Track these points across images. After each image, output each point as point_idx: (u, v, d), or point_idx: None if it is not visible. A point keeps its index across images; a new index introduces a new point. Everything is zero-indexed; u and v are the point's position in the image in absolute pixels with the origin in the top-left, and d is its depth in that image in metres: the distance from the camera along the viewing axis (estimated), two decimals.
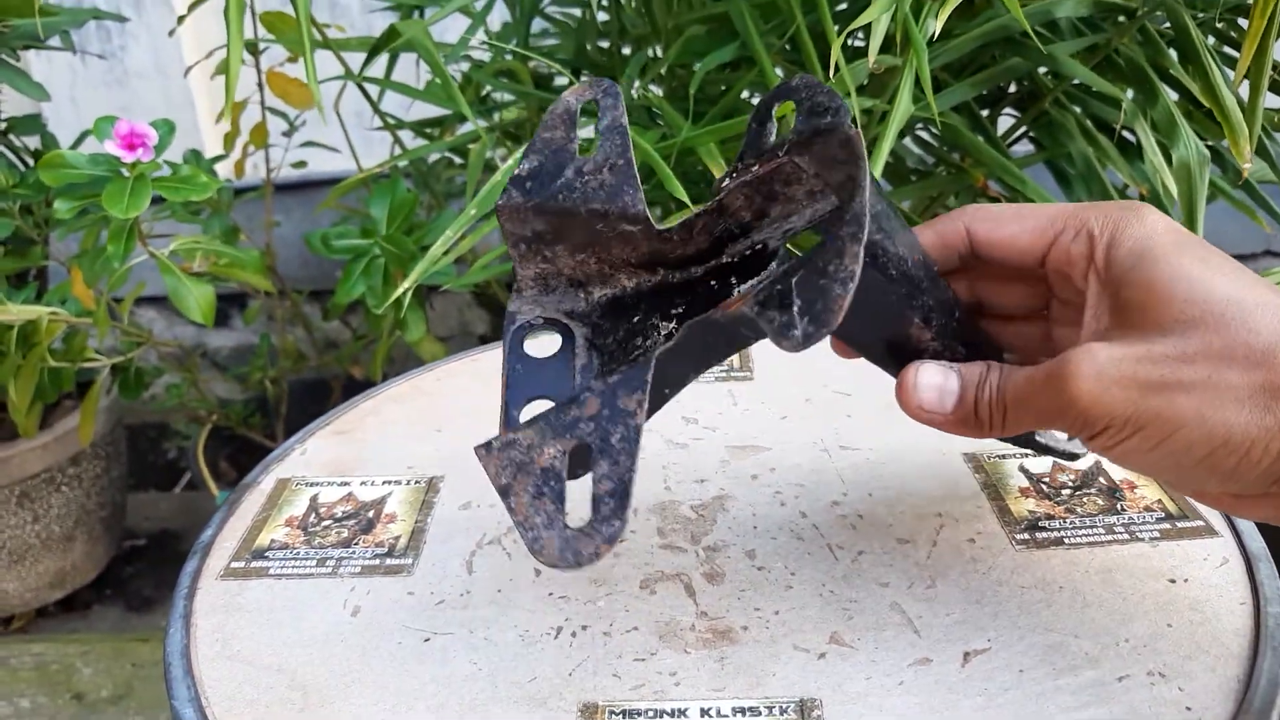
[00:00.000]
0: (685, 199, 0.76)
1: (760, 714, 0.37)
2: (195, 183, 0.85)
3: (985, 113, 0.98)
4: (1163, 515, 0.46)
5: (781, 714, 0.37)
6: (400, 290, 0.73)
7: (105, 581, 1.42)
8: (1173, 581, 0.42)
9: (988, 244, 0.39)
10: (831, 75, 0.74)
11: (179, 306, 0.89)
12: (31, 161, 1.14)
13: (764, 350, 0.62)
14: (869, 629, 0.41)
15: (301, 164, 1.29)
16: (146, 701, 1.16)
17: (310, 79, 0.70)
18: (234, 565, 0.46)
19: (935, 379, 0.37)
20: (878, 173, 0.74)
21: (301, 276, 1.64)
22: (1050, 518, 0.46)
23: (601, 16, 1.04)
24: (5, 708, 1.17)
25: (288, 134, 1.27)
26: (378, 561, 0.46)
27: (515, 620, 0.42)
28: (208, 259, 0.93)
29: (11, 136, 1.15)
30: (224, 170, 1.37)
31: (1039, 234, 0.37)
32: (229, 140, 1.21)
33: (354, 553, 0.47)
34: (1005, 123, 1.02)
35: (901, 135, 1.04)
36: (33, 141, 1.16)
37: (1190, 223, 0.83)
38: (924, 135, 1.05)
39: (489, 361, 0.65)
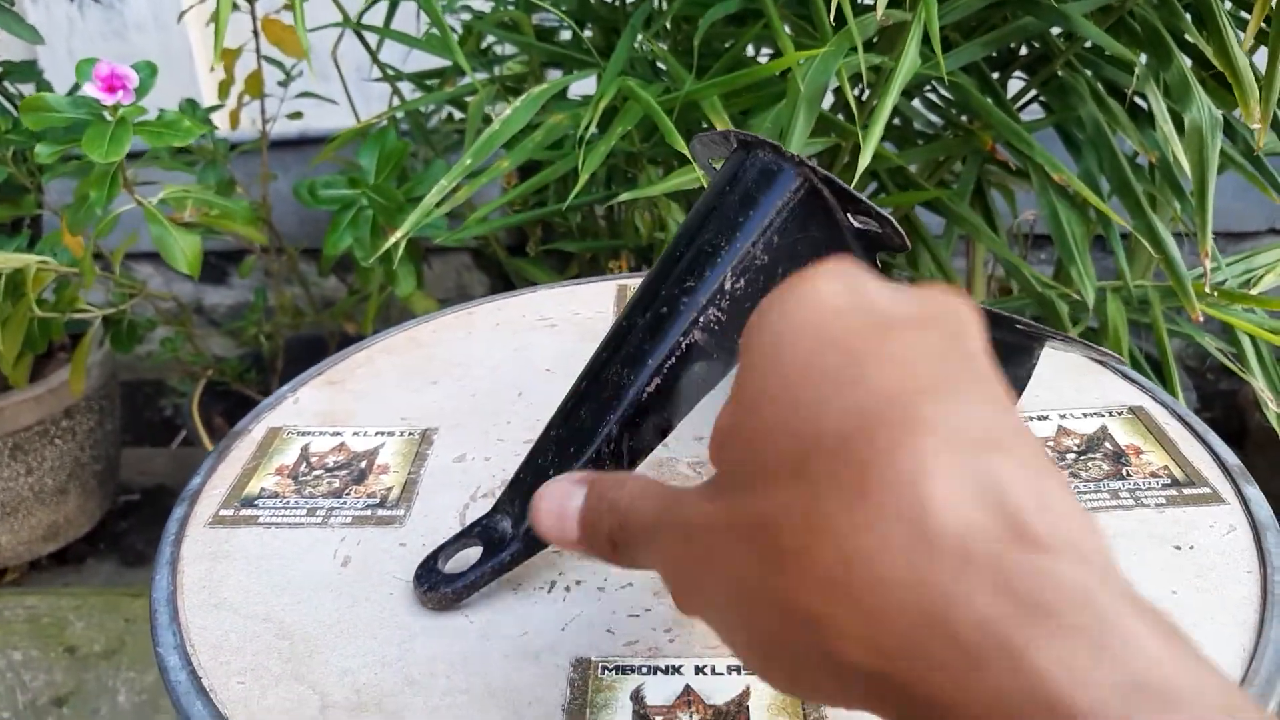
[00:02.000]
0: (687, 152, 0.75)
1: None
2: (179, 127, 0.83)
3: (995, 75, 0.97)
4: (1168, 481, 0.45)
5: None
6: (390, 242, 0.72)
7: (99, 535, 1.42)
8: (1178, 548, 0.41)
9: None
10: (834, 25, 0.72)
11: (165, 256, 0.87)
12: None
13: None
14: None
15: (297, 115, 1.27)
16: (138, 655, 1.16)
17: (298, 23, 0.68)
18: (223, 513, 0.46)
19: (556, 503, 0.30)
20: (878, 135, 0.73)
21: (300, 234, 1.62)
22: None
23: None
24: None
25: (284, 84, 1.25)
26: (369, 512, 0.45)
27: (509, 574, 0.41)
28: (198, 209, 0.91)
29: (7, 84, 1.13)
30: (220, 121, 1.35)
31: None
32: (224, 89, 1.19)
33: (345, 503, 0.46)
34: (1015, 86, 1.00)
35: (910, 96, 1.02)
36: (29, 89, 1.14)
37: (1201, 192, 0.81)
38: (932, 97, 1.03)
39: (483, 314, 0.64)
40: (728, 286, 0.37)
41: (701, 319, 0.38)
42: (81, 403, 1.27)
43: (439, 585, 0.39)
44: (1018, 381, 0.45)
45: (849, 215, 0.38)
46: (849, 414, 0.21)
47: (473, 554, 0.40)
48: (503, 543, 0.39)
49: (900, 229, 0.38)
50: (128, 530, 1.44)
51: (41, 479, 1.27)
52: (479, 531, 0.41)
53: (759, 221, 0.37)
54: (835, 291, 0.23)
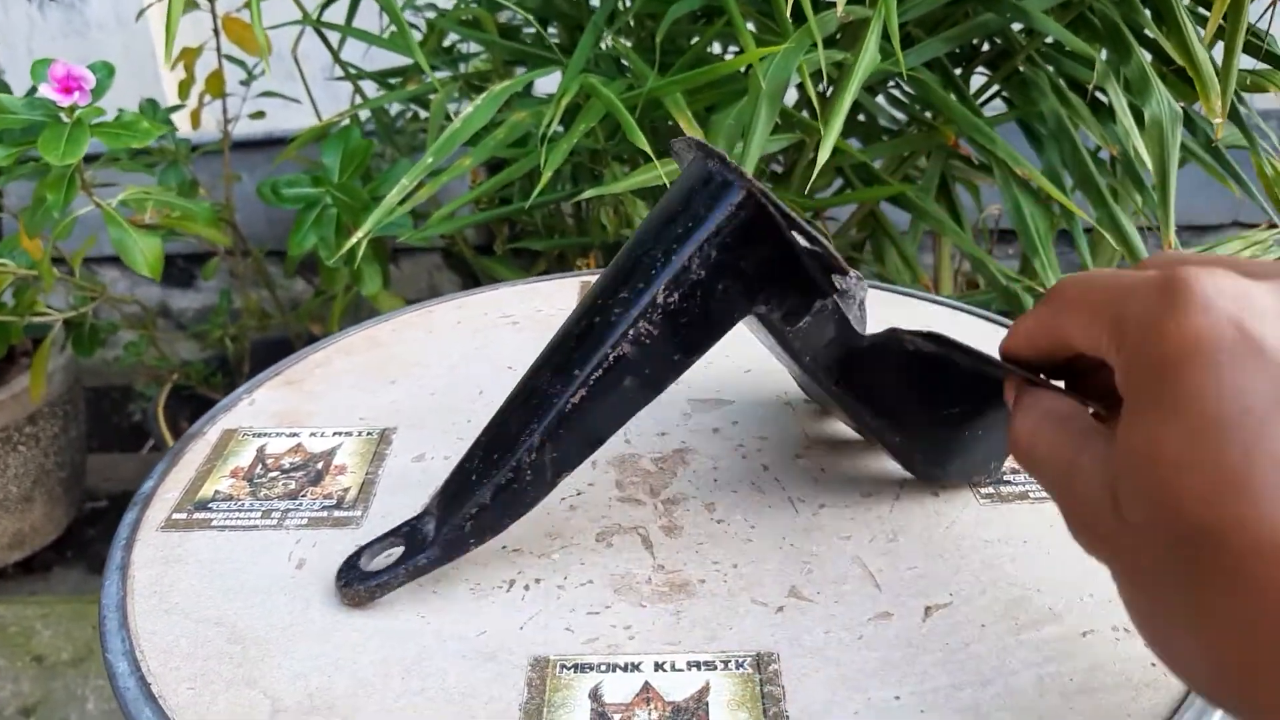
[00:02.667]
0: (649, 150, 0.74)
1: (716, 668, 0.36)
2: (136, 129, 0.82)
3: (958, 71, 0.97)
4: None
5: (738, 668, 0.36)
6: (353, 240, 0.71)
7: (66, 543, 1.40)
8: None
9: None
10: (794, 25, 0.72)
11: (125, 259, 0.86)
12: None
13: None
14: (829, 582, 0.40)
15: (260, 114, 1.26)
16: None
17: (255, 21, 0.67)
18: (175, 517, 0.45)
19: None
20: (838, 129, 0.73)
21: (267, 235, 1.61)
22: (1016, 471, 0.45)
23: None
24: None
25: (245, 83, 1.23)
26: (325, 514, 0.45)
27: (466, 574, 0.41)
28: (158, 211, 0.90)
29: None
30: (182, 122, 1.33)
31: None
32: (184, 88, 1.17)
33: (301, 504, 0.45)
34: (977, 81, 1.01)
35: (874, 92, 1.02)
36: None
37: (1162, 184, 0.82)
38: (896, 93, 1.03)
39: (443, 313, 0.64)
40: (660, 300, 0.37)
41: (632, 332, 0.37)
42: (45, 408, 1.25)
43: (354, 582, 0.39)
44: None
45: (796, 234, 0.38)
46: None
47: (397, 553, 0.40)
48: (422, 545, 0.39)
49: (835, 251, 0.38)
50: (95, 538, 1.42)
51: (5, 486, 1.25)
52: (405, 532, 0.40)
53: (698, 235, 0.36)
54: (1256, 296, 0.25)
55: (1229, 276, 0.25)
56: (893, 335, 0.38)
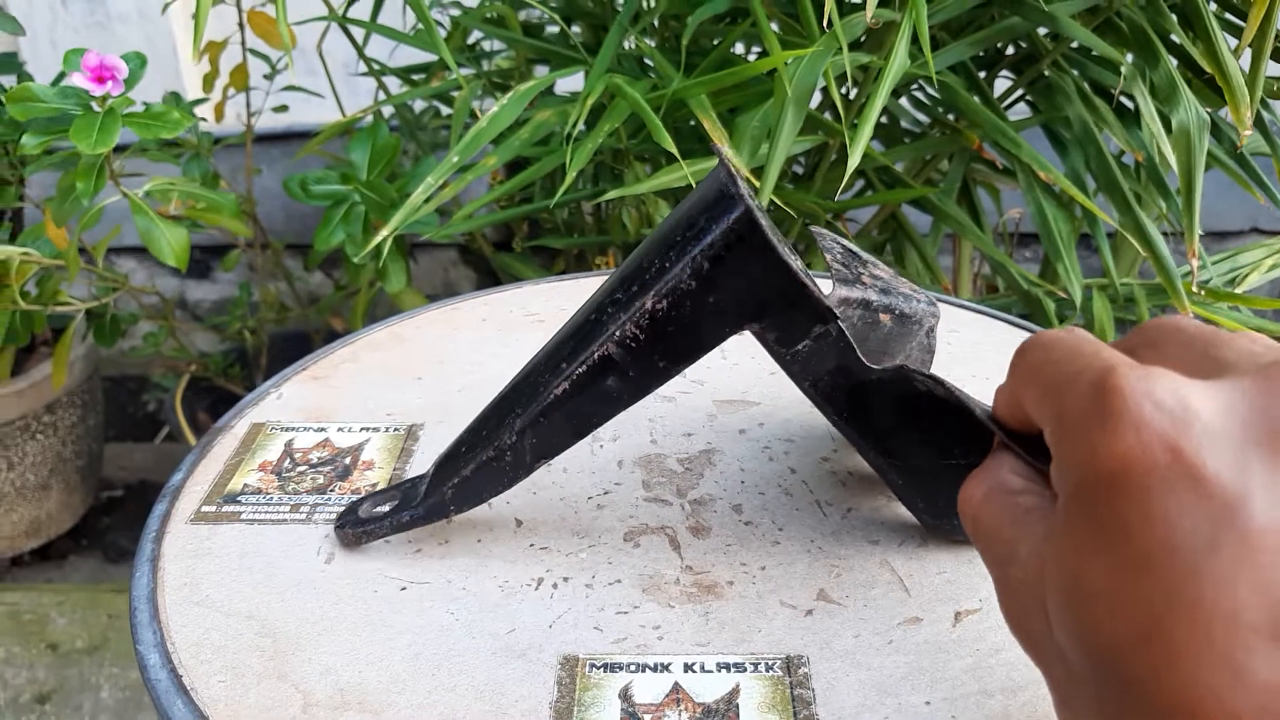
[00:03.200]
0: (674, 150, 0.74)
1: (745, 669, 0.36)
2: (167, 119, 0.82)
3: (983, 74, 0.97)
4: None
5: (767, 670, 0.36)
6: (379, 238, 0.71)
7: (82, 531, 1.41)
8: None
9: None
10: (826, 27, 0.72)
11: (151, 249, 0.86)
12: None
13: None
14: (858, 586, 0.40)
15: (283, 108, 1.27)
16: (121, 652, 1.15)
17: (280, 16, 0.67)
18: (204, 509, 0.45)
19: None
20: (868, 135, 0.73)
21: (285, 229, 1.61)
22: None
23: None
24: None
25: (269, 77, 1.24)
26: None
27: (495, 571, 0.41)
28: (184, 202, 0.91)
29: None
30: (205, 115, 1.34)
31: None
32: (208, 81, 1.18)
33: (329, 499, 0.45)
34: (1002, 85, 1.01)
35: (897, 95, 1.02)
36: (10, 81, 1.13)
37: (1188, 191, 0.82)
38: (919, 96, 1.03)
39: (468, 310, 0.64)
40: (649, 306, 0.37)
41: (619, 334, 0.37)
42: (64, 397, 1.26)
43: (345, 525, 0.42)
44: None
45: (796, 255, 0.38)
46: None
47: (390, 506, 0.43)
48: (411, 504, 0.42)
49: (820, 295, 0.37)
50: (110, 526, 1.43)
51: (23, 474, 1.26)
52: (406, 489, 0.43)
53: (693, 247, 0.36)
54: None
55: (1170, 384, 0.22)
56: (901, 372, 0.38)
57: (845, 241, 0.47)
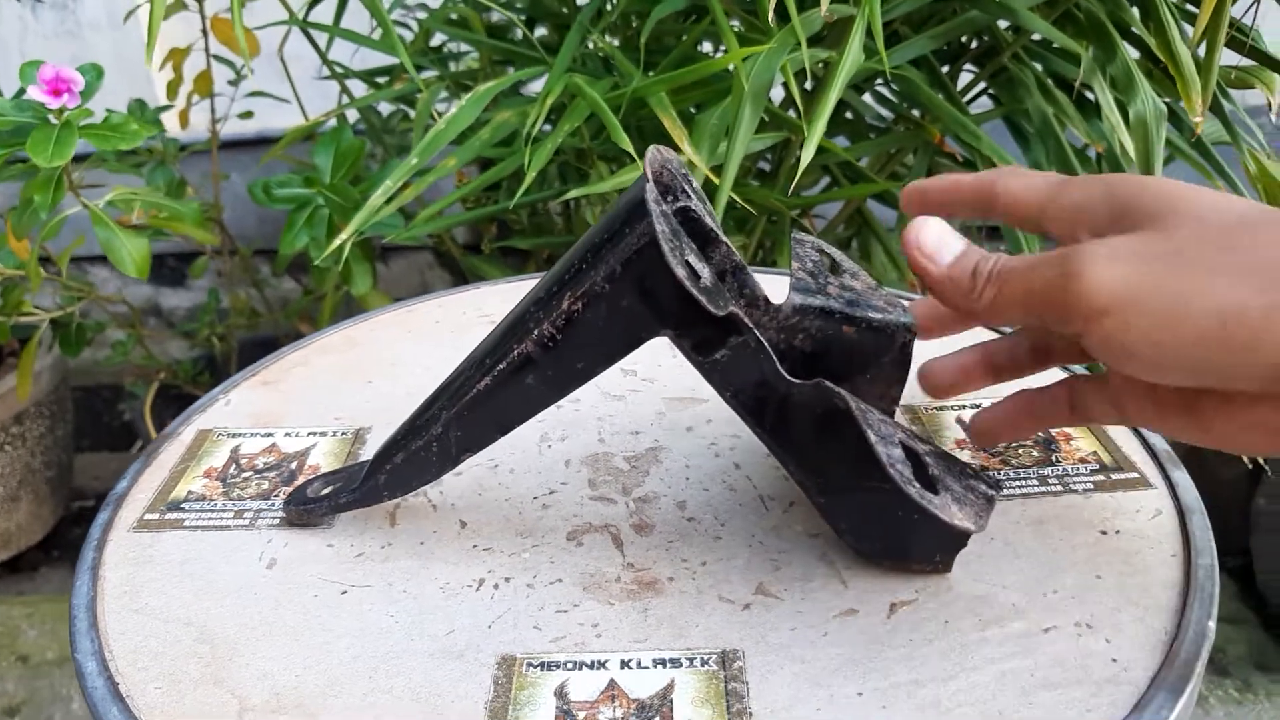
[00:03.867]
0: (632, 150, 0.74)
1: (681, 665, 0.36)
2: (125, 130, 0.82)
3: (945, 68, 0.97)
4: (1096, 467, 0.45)
5: (703, 665, 0.36)
6: (339, 240, 0.71)
7: (53, 542, 1.40)
8: (1104, 533, 0.41)
9: (1006, 193, 0.39)
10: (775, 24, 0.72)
11: (112, 259, 0.86)
12: None
13: None
14: (796, 580, 0.40)
15: (248, 114, 1.26)
16: None
17: (236, 21, 0.67)
18: (148, 517, 0.45)
19: (942, 230, 0.38)
20: (821, 129, 0.73)
21: (257, 234, 1.61)
22: (985, 469, 0.46)
23: None
24: None
25: (234, 83, 1.23)
26: None
27: (436, 573, 0.41)
28: (146, 211, 0.90)
29: None
30: (170, 122, 1.33)
31: (1050, 186, 0.37)
32: (172, 88, 1.17)
33: (273, 504, 0.45)
34: (964, 79, 1.01)
35: (860, 91, 1.02)
36: None
37: None
38: (884, 91, 1.03)
39: (423, 312, 0.64)
40: (565, 307, 0.37)
41: (537, 333, 0.38)
42: (31, 408, 1.25)
43: (289, 503, 0.44)
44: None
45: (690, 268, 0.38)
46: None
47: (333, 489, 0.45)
48: (349, 487, 0.44)
49: (706, 305, 0.36)
50: (82, 537, 1.42)
51: None
52: (353, 471, 0.45)
53: (609, 250, 0.36)
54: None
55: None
56: (819, 388, 0.37)
57: (830, 250, 0.47)
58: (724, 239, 0.42)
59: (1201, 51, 0.80)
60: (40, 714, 1.09)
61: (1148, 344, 0.32)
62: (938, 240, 0.37)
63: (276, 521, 0.44)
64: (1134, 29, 0.86)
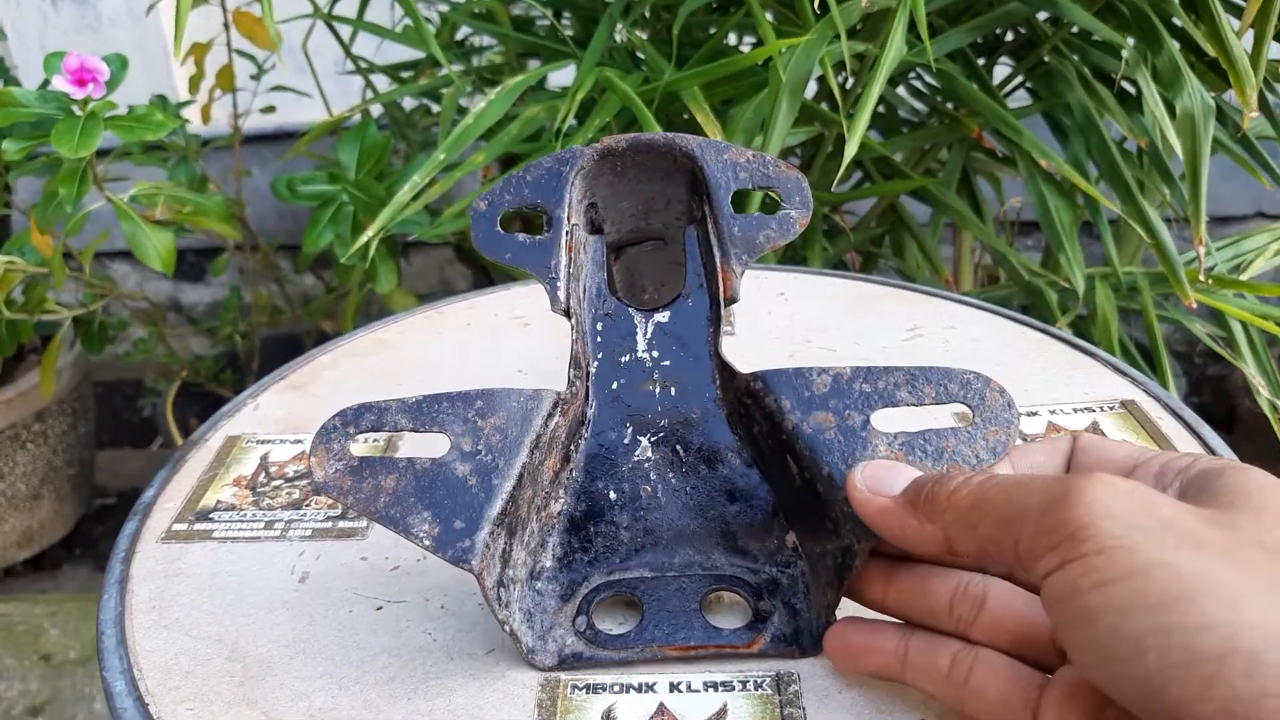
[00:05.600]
0: None
1: (734, 688, 0.34)
2: (150, 121, 0.81)
3: (981, 61, 0.95)
4: None
5: (756, 688, 0.34)
6: (365, 238, 0.70)
7: (74, 540, 1.39)
8: None
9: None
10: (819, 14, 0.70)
11: (137, 254, 0.85)
12: None
13: (746, 308, 0.59)
14: (850, 602, 0.38)
15: (270, 109, 1.25)
16: None
17: (266, 15, 0.66)
18: (176, 527, 0.43)
19: (887, 465, 0.33)
20: (864, 126, 0.71)
21: (277, 230, 1.60)
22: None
23: None
24: None
25: (255, 77, 1.22)
26: (330, 524, 0.43)
27: (475, 588, 0.39)
28: (170, 206, 0.89)
29: None
30: (191, 116, 1.32)
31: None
32: (194, 83, 1.16)
33: (304, 515, 0.44)
34: (1001, 72, 0.98)
35: (894, 83, 1.00)
36: None
37: (1194, 177, 0.80)
38: (917, 84, 1.01)
39: (454, 314, 0.62)
40: None
41: None
42: (53, 406, 1.24)
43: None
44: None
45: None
46: None
47: None
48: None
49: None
50: (104, 535, 1.42)
51: (14, 484, 1.24)
52: None
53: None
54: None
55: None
56: (755, 380, 0.36)
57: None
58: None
59: (1247, 43, 0.78)
60: (63, 714, 1.08)
61: (1115, 630, 0.24)
62: (884, 473, 0.32)
63: (308, 533, 0.43)
64: (1177, 20, 0.83)
